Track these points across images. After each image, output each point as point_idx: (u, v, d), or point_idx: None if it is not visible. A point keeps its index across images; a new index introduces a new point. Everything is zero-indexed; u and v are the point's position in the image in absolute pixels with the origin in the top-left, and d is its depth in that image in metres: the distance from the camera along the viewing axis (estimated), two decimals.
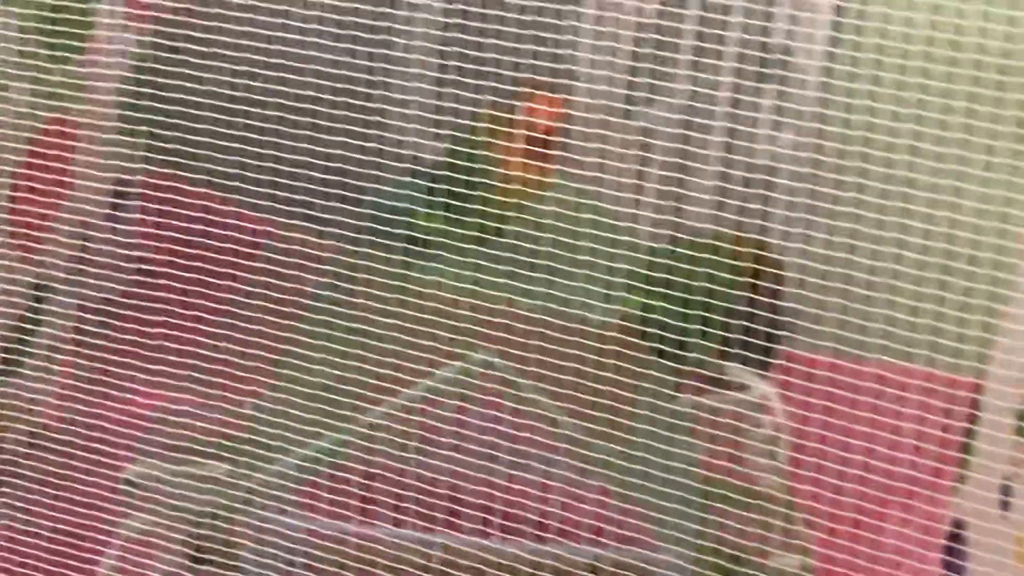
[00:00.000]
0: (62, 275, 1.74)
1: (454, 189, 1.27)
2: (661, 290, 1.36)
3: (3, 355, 1.63)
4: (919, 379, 1.64)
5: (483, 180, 1.31)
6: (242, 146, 1.60)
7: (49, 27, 1.57)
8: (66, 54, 1.61)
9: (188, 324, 1.64)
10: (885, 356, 1.66)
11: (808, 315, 1.58)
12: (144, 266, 1.76)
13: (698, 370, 1.36)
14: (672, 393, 1.33)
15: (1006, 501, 1.49)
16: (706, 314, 1.37)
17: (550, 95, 1.36)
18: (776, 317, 1.50)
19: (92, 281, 1.73)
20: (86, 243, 1.77)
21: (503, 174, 1.35)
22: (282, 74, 1.55)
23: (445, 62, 1.47)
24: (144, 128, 1.72)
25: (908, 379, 1.64)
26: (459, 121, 1.36)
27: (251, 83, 1.56)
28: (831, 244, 1.63)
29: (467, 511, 1.31)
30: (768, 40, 1.61)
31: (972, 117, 1.50)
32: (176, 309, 1.64)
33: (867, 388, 1.58)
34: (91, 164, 1.68)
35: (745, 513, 1.30)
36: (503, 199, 1.35)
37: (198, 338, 1.59)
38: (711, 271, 1.38)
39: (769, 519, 1.31)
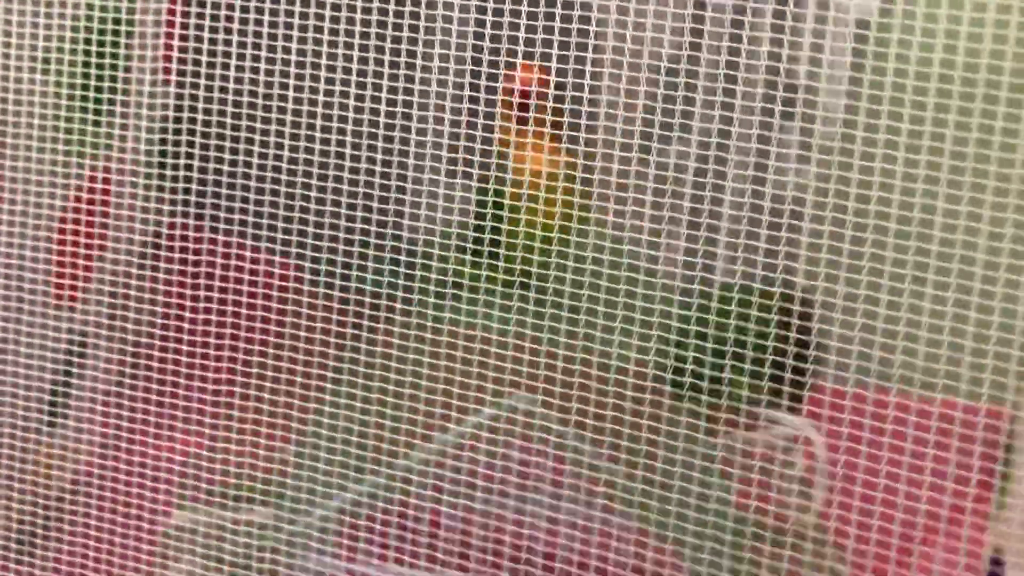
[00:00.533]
0: (103, 324, 1.75)
1: (483, 236, 1.28)
2: (696, 332, 1.37)
3: (49, 406, 1.63)
4: (959, 411, 1.66)
5: (509, 222, 1.32)
6: (272, 197, 1.62)
7: (85, 88, 1.59)
8: (101, 114, 1.63)
9: (222, 369, 1.65)
10: (924, 389, 1.67)
11: (846, 350, 1.59)
12: (178, 312, 1.78)
13: (735, 409, 1.36)
14: (706, 436, 1.33)
15: None
16: (740, 354, 1.37)
17: (532, 63, 1.37)
18: (808, 353, 1.50)
19: (131, 327, 1.75)
20: (124, 292, 1.79)
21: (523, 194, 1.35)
22: (310, 120, 1.57)
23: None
24: (174, 182, 1.75)
25: (949, 411, 1.65)
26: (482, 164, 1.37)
27: (278, 134, 1.59)
28: (856, 281, 1.63)
29: (504, 554, 1.32)
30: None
31: (984, 147, 1.50)
32: (209, 354, 1.66)
33: (909, 420, 1.59)
34: (125, 217, 1.70)
35: (778, 549, 1.30)
36: (531, 237, 1.36)
37: (233, 382, 1.61)
38: (743, 314, 1.39)
39: (802, 554, 1.31)
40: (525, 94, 1.35)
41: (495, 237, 1.31)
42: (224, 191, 1.63)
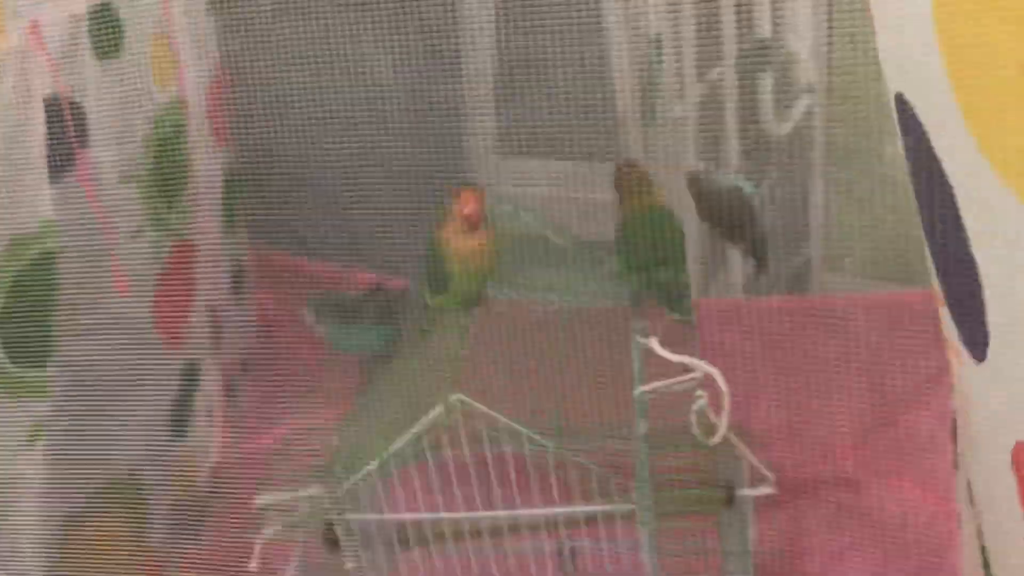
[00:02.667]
0: (206, 350, 2.06)
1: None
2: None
3: (171, 422, 1.95)
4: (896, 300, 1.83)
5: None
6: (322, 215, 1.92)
7: (158, 177, 1.86)
8: (175, 193, 1.91)
9: (298, 369, 2.01)
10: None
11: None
12: (265, 327, 2.13)
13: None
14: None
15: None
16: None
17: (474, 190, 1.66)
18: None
19: (228, 350, 2.10)
20: (218, 323, 2.11)
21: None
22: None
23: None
24: (242, 222, 2.08)
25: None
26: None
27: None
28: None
29: None
30: None
31: None
32: (289, 359, 2.01)
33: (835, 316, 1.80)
34: (210, 262, 2.04)
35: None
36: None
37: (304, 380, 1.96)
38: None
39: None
40: (472, 219, 1.63)
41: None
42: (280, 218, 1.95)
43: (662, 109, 1.74)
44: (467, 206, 1.62)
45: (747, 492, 1.60)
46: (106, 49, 1.66)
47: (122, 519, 1.80)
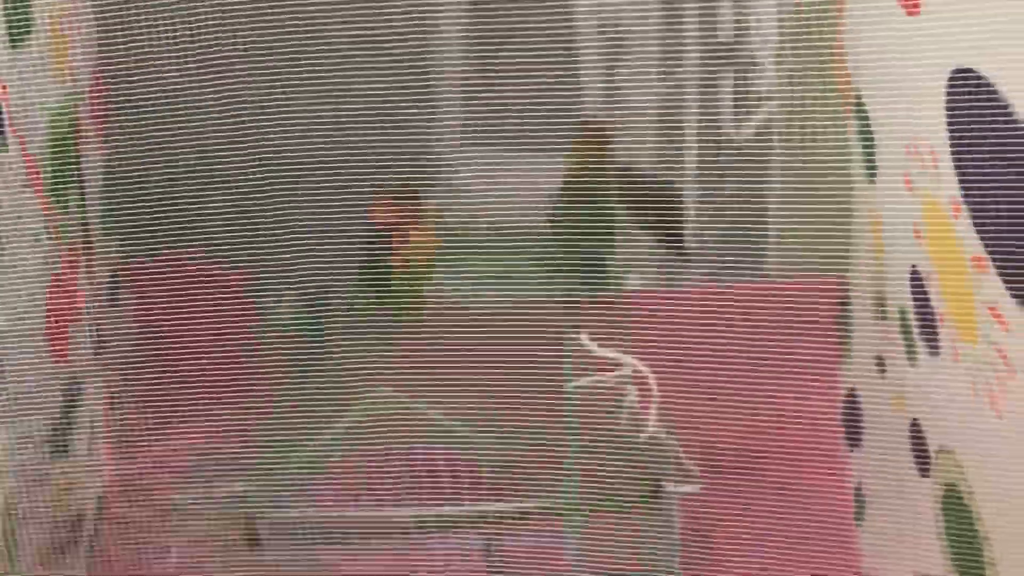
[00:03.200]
0: (89, 364, 1.98)
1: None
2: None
3: (51, 442, 1.86)
4: (801, 288, 1.86)
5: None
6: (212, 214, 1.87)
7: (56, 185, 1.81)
8: (68, 196, 1.85)
9: (198, 377, 1.94)
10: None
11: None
12: (150, 334, 2.05)
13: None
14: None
15: (882, 368, 1.68)
16: None
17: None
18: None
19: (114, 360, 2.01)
20: (100, 333, 2.03)
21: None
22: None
23: None
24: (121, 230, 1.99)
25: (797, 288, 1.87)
26: None
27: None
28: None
29: None
30: None
31: None
32: (185, 366, 1.94)
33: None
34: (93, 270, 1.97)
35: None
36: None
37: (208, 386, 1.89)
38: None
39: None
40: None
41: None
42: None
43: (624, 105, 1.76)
44: (379, 215, 1.62)
45: (673, 490, 1.63)
46: (18, 36, 1.57)
47: None
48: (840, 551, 1.80)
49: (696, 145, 1.89)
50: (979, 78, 0.99)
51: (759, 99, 1.90)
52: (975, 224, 1.07)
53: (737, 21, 1.89)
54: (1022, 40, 0.91)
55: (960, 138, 1.04)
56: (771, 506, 1.85)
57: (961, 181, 1.05)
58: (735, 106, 1.88)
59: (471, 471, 1.61)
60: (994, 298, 1.09)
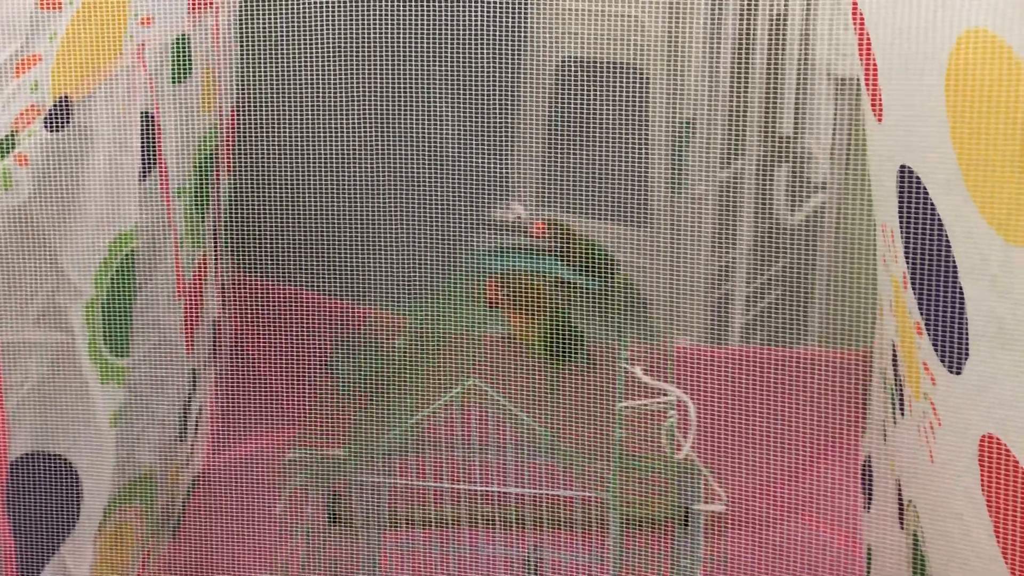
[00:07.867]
0: (205, 360, 2.19)
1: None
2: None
3: (182, 424, 2.07)
4: (834, 358, 2.06)
5: None
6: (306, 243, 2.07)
7: (198, 195, 1.99)
8: (204, 212, 2.03)
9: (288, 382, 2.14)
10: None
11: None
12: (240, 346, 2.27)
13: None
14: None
15: (884, 434, 1.75)
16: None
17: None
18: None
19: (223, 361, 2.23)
20: (217, 335, 2.26)
21: None
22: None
23: None
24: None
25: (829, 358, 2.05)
26: None
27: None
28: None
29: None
30: None
31: None
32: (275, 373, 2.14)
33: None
34: (216, 279, 2.18)
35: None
36: None
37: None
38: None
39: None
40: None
41: None
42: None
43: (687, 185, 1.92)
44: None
45: (701, 508, 1.80)
46: (180, 74, 1.82)
47: (138, 511, 1.89)
48: None
49: (753, 225, 2.02)
50: (911, 172, 1.22)
51: (812, 188, 2.06)
52: (915, 293, 1.28)
53: (796, 116, 2.06)
54: (937, 144, 1.14)
55: (902, 222, 1.26)
56: (788, 558, 2.00)
57: (906, 256, 1.27)
58: (788, 193, 2.03)
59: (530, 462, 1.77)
60: (927, 356, 1.29)
